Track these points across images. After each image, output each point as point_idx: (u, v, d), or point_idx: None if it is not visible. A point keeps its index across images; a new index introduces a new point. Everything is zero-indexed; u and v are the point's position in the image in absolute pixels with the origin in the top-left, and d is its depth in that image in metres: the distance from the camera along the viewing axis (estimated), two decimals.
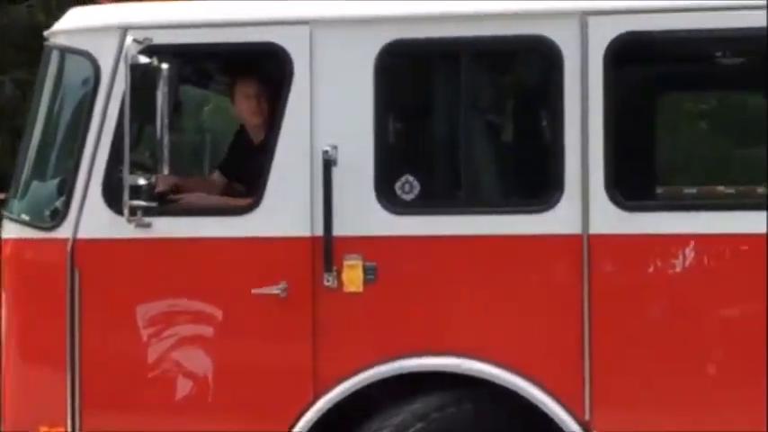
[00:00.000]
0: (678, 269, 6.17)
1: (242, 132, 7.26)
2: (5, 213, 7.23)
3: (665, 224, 6.24)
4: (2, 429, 6.83)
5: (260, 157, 6.68)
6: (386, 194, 6.38)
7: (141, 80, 6.48)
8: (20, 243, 7.05)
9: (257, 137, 6.94)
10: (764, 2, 6.02)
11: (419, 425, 6.39)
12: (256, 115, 6.92)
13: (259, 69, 7.07)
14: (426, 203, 6.49)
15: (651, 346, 6.26)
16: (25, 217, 7.07)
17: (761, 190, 6.40)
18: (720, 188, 7.65)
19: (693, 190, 7.89)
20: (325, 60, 6.41)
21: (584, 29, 6.24)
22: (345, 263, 6.26)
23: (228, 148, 7.75)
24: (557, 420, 6.21)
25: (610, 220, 6.21)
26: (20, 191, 7.24)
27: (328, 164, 6.20)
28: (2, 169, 20.11)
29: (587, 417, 6.19)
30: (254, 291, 6.25)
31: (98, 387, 6.61)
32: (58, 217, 6.74)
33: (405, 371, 6.33)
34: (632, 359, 6.29)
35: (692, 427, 6.13)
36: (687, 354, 6.22)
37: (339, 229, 6.28)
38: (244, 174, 7.03)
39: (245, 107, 7.03)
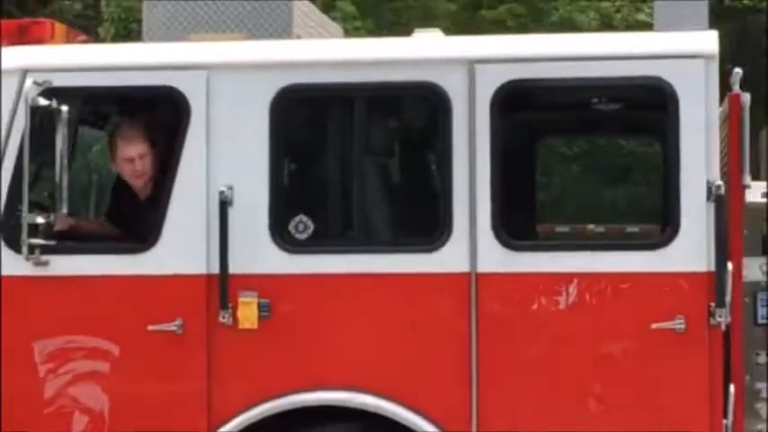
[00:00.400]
0: (561, 306, 6.43)
1: (124, 186, 7.27)
2: None
3: (548, 263, 6.53)
4: None
5: (146, 209, 6.82)
6: (280, 233, 6.54)
7: (40, 122, 6.66)
8: None
9: (143, 193, 6.98)
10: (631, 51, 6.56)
11: None
12: (139, 177, 6.94)
13: (154, 114, 7.16)
14: (319, 242, 6.69)
15: (536, 379, 6.49)
16: None
17: (630, 229, 6.75)
18: (591, 227, 8.08)
19: (567, 228, 8.21)
20: (222, 104, 6.57)
21: (472, 76, 6.48)
22: (240, 300, 6.40)
23: (111, 199, 7.79)
24: None
25: (496, 259, 6.46)
26: None
27: (224, 204, 6.38)
28: None
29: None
30: (150, 327, 6.34)
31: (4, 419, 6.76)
32: None
33: (296, 405, 6.47)
34: (518, 392, 6.50)
35: None
36: (570, 387, 6.47)
37: (234, 267, 6.42)
38: (131, 226, 7.09)
39: (126, 170, 7.03)
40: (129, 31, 20.17)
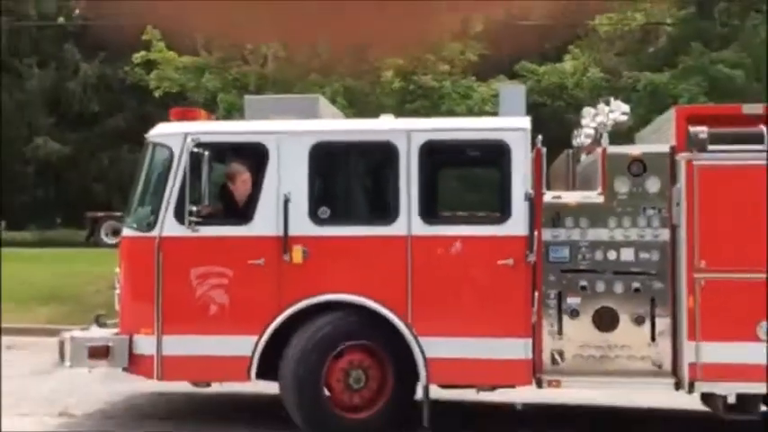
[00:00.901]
0: (452, 252, 9.39)
1: (229, 193, 10.06)
2: (125, 223, 10.40)
3: (446, 231, 9.53)
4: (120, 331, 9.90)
5: (245, 204, 9.74)
6: (313, 216, 9.47)
7: (194, 160, 9.64)
8: (131, 238, 10.21)
9: (242, 196, 9.80)
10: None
11: (328, 327, 9.42)
12: (245, 189, 9.78)
13: (250, 156, 9.94)
14: (333, 221, 9.55)
15: (440, 289, 9.42)
16: (133, 224, 10.19)
17: (488, 214, 9.97)
18: (468, 213, 10.80)
19: (456, 213, 10.88)
20: (285, 150, 9.62)
21: (409, 138, 9.54)
22: (293, 248, 9.35)
23: (223, 199, 10.26)
24: (396, 324, 9.37)
25: (420, 228, 9.44)
26: (131, 213, 10.37)
27: (286, 201, 9.35)
28: None
29: (410, 322, 9.38)
30: (249, 262, 9.42)
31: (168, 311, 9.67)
32: (151, 225, 9.83)
33: (321, 301, 9.41)
34: (431, 296, 9.41)
35: (466, 330, 9.35)
36: (456, 293, 9.45)
37: (290, 232, 9.38)
38: (236, 213, 9.92)
39: (240, 186, 9.83)
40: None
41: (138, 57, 27.75)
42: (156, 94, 28.04)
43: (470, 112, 27.31)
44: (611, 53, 28.89)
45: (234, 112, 26.20)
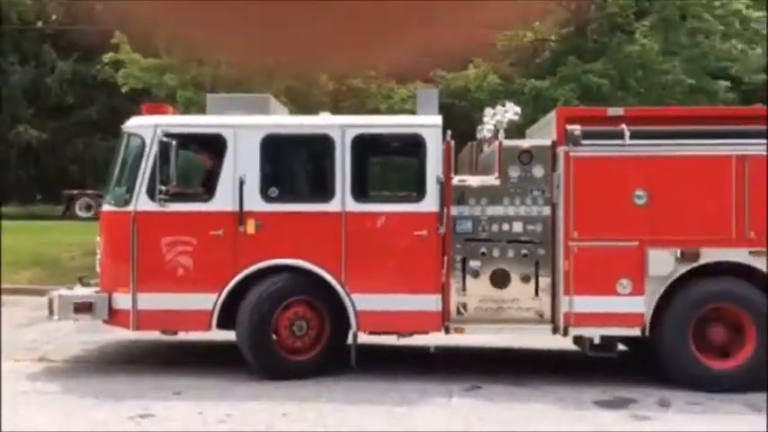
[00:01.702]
0: (378, 224, 9.67)
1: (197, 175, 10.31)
2: (105, 200, 10.46)
3: (373, 208, 9.84)
4: (100, 290, 10.03)
5: (207, 185, 9.95)
6: (263, 194, 9.64)
7: (162, 147, 9.69)
8: (110, 213, 10.25)
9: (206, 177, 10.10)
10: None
11: (278, 283, 9.60)
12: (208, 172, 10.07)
13: (211, 145, 10.09)
14: (280, 199, 9.70)
15: (366, 256, 9.70)
16: (112, 201, 10.24)
17: (407, 194, 10.28)
18: (392, 193, 11.14)
19: (382, 192, 11.24)
20: (241, 141, 9.76)
21: (344, 132, 9.76)
22: (248, 221, 9.60)
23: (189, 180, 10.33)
24: (332, 284, 9.61)
25: (353, 206, 9.66)
26: (110, 192, 10.43)
27: (242, 182, 9.58)
28: None
29: (343, 281, 9.63)
30: (210, 232, 9.63)
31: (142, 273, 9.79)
32: (127, 202, 9.92)
33: (270, 265, 9.60)
34: (358, 262, 9.65)
35: (388, 288, 9.64)
36: (383, 259, 9.71)
37: (246, 208, 9.60)
38: (201, 191, 10.12)
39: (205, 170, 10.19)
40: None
41: (107, 57, 27.74)
42: (123, 89, 27.95)
43: (391, 110, 27.55)
44: (506, 63, 29.32)
45: (192, 106, 26.30)
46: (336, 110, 26.47)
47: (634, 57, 27.24)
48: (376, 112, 26.86)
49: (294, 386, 9.40)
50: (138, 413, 8.19)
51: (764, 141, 9.38)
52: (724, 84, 28.22)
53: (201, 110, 10.95)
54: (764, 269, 9.28)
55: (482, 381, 9.68)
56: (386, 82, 29.17)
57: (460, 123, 18.02)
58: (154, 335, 10.65)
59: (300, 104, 25.25)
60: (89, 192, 35.79)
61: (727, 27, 27.88)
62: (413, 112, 26.56)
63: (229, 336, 10.08)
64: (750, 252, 9.30)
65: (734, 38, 27.97)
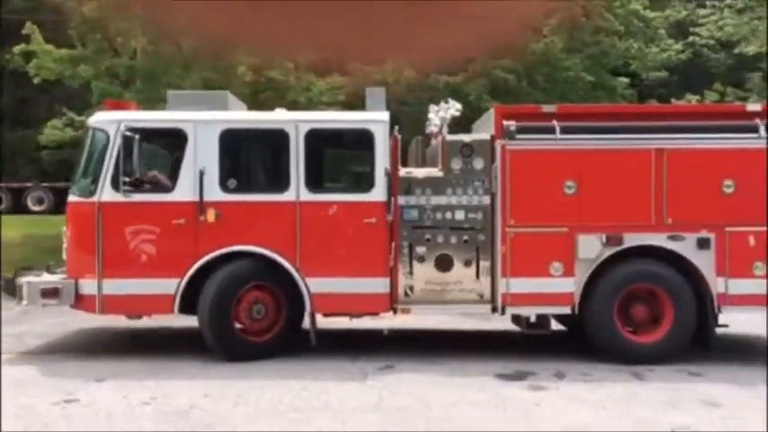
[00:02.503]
0: (330, 213, 10.21)
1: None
2: (71, 191, 10.69)
3: (326, 197, 10.34)
4: (67, 276, 10.41)
5: (170, 175, 10.35)
6: (222, 185, 10.16)
7: (126, 142, 10.18)
8: (76, 203, 10.56)
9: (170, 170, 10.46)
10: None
11: (239, 269, 10.13)
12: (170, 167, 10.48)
13: (174, 138, 10.48)
14: (237, 189, 10.21)
15: (324, 242, 10.21)
16: (77, 192, 10.58)
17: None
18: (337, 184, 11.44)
19: (334, 184, 11.45)
20: (201, 135, 10.21)
21: (297, 126, 10.31)
22: (208, 210, 10.06)
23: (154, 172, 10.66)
24: (287, 269, 10.15)
25: (304, 195, 10.13)
26: (76, 183, 10.77)
27: (201, 174, 10.07)
28: None
29: (298, 266, 10.17)
30: (173, 221, 10.09)
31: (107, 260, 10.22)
32: (92, 192, 10.30)
33: (231, 251, 10.09)
34: (314, 247, 10.18)
35: (341, 272, 10.16)
36: (328, 244, 10.23)
37: (206, 198, 10.06)
38: (164, 183, 10.50)
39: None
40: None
41: (18, 49, 27.48)
42: (35, 80, 27.76)
43: (311, 103, 27.95)
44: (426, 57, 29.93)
45: (107, 98, 26.38)
46: (255, 102, 26.89)
47: (538, 54, 28.53)
48: (295, 104, 27.30)
49: (217, 368, 9.93)
50: (62, 398, 8.43)
51: (681, 136, 10.42)
52: (624, 80, 29.83)
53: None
54: (681, 252, 10.29)
55: (396, 360, 10.25)
56: (305, 74, 29.53)
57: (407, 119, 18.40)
58: (91, 324, 11.47)
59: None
60: (44, 185, 35.00)
61: (626, 26, 29.47)
62: (332, 105, 27.13)
63: (190, 320, 10.62)
64: (668, 237, 10.26)
65: (632, 37, 29.50)
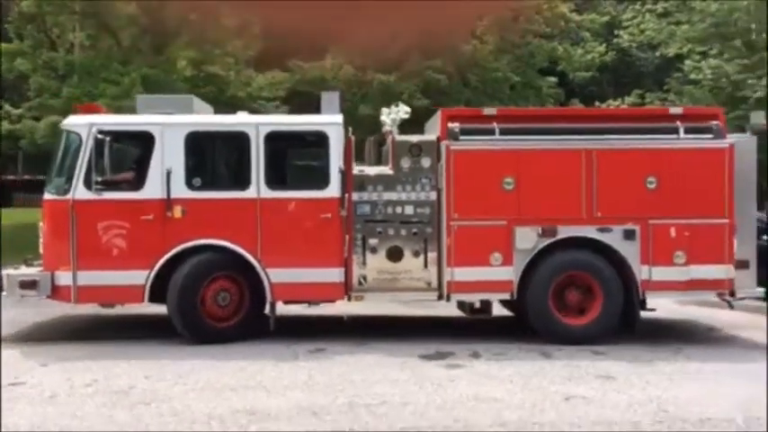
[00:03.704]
0: (290, 209, 10.88)
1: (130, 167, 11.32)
2: (46, 189, 11.27)
3: (290, 195, 10.90)
4: (44, 269, 10.94)
5: (138, 175, 10.97)
6: (188, 183, 10.88)
7: (98, 144, 10.85)
8: (51, 201, 11.18)
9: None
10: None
11: (205, 260, 10.82)
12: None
13: (143, 140, 11.06)
14: (202, 188, 10.90)
15: (283, 235, 10.83)
16: (53, 190, 11.20)
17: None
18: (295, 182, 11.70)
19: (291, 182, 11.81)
20: (168, 137, 10.83)
21: (258, 129, 11.00)
22: (174, 207, 10.71)
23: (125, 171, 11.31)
24: (249, 260, 10.84)
25: (265, 192, 10.85)
26: (51, 181, 11.34)
27: (169, 173, 10.76)
28: None
29: (260, 258, 10.85)
30: (141, 217, 10.69)
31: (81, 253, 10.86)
32: (66, 191, 10.92)
33: (197, 244, 10.81)
34: (274, 240, 10.85)
35: (299, 263, 10.84)
36: (288, 239, 10.88)
37: (173, 195, 10.70)
38: (132, 182, 11.11)
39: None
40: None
41: None
42: None
43: (250, 98, 28.72)
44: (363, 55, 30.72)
45: (45, 92, 26.74)
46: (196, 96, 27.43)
47: (468, 55, 29.65)
48: (235, 99, 28.04)
49: (159, 351, 10.48)
50: (9, 382, 8.74)
51: (609, 137, 11.33)
52: (551, 80, 31.13)
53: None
54: (609, 242, 11.18)
55: (327, 344, 10.92)
56: (245, 70, 30.12)
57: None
58: (45, 315, 12.13)
59: (158, 92, 26.22)
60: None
61: (553, 29, 30.80)
62: (271, 101, 27.61)
63: (159, 309, 11.29)
64: (597, 229, 11.15)
65: (558, 39, 30.83)
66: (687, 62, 30.80)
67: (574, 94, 32.72)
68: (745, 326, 12.83)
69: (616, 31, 33.72)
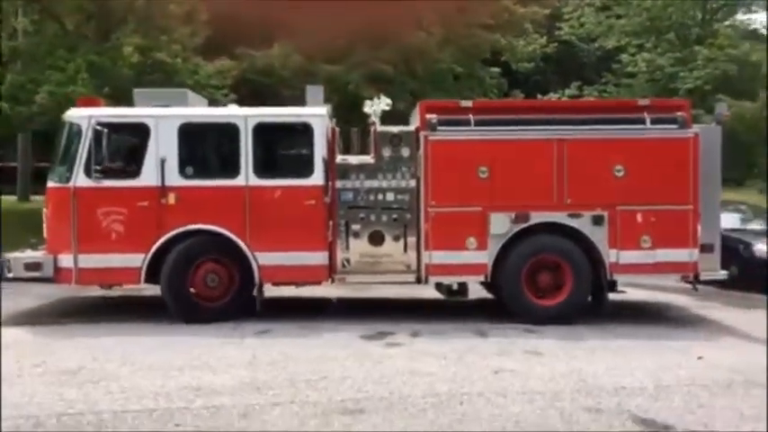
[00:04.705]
0: (275, 196, 11.46)
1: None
2: (49, 177, 11.90)
3: (267, 182, 11.52)
4: (48, 252, 11.51)
5: (135, 164, 11.58)
6: (182, 172, 11.51)
7: (95, 134, 11.57)
8: (54, 188, 11.82)
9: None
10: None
11: (196, 244, 11.50)
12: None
13: (138, 130, 11.67)
14: (194, 175, 11.52)
15: (270, 221, 11.39)
16: (55, 178, 11.84)
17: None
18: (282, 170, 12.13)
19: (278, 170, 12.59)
20: (162, 128, 11.47)
21: (246, 120, 11.64)
22: (169, 194, 11.35)
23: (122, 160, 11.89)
24: (238, 244, 11.45)
25: (252, 180, 11.45)
26: (54, 170, 11.99)
27: (163, 161, 11.40)
28: None
29: (249, 242, 11.46)
30: (138, 204, 11.37)
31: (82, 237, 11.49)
32: (68, 179, 11.58)
33: (189, 229, 11.41)
34: (262, 225, 11.45)
35: (286, 246, 11.39)
36: (278, 222, 11.46)
37: (167, 184, 11.37)
38: (130, 170, 11.72)
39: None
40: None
41: None
42: None
43: (198, 86, 28.88)
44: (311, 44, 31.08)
45: None
46: (140, 84, 27.57)
47: (413, 47, 30.41)
48: (182, 87, 28.27)
49: (107, 333, 10.95)
50: None
51: (579, 128, 11.96)
52: (495, 70, 32.17)
53: None
54: (579, 227, 11.84)
55: (274, 326, 11.37)
56: (192, 57, 30.25)
57: (270, 100, 19.03)
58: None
59: (103, 80, 26.42)
60: None
61: (497, 21, 31.77)
62: (219, 89, 27.80)
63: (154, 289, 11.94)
64: (568, 214, 11.82)
65: (501, 30, 31.79)
66: (624, 55, 32.17)
67: (518, 85, 33.82)
68: (690, 307, 13.86)
69: (557, 24, 34.99)
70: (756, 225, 17.43)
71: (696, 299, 14.10)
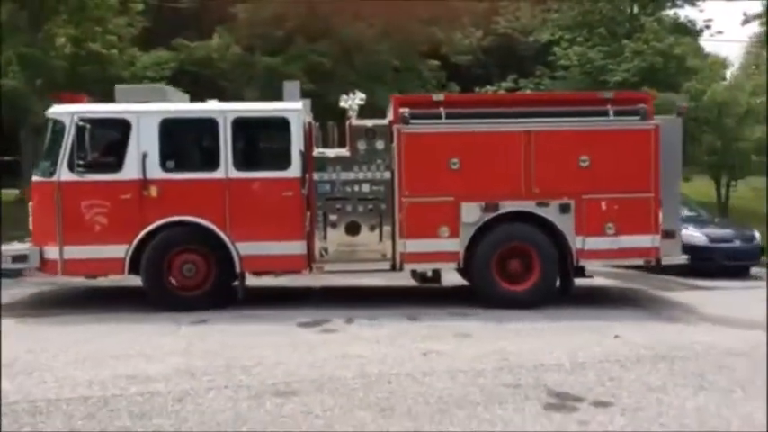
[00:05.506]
0: (255, 188, 12.09)
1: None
2: (34, 173, 12.26)
3: (252, 174, 12.05)
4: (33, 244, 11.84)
5: (118, 158, 12.01)
6: (162, 165, 11.93)
7: (79, 130, 11.91)
8: (39, 182, 12.21)
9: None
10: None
11: (175, 234, 11.91)
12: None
13: (120, 126, 12.05)
14: (175, 169, 11.92)
15: (250, 212, 11.91)
16: (40, 173, 12.26)
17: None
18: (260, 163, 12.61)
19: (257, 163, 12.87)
20: (143, 123, 11.88)
21: (225, 115, 12.13)
22: (150, 187, 11.82)
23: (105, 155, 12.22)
24: (219, 235, 11.91)
25: (233, 173, 11.90)
26: (39, 165, 12.35)
27: (144, 156, 11.80)
28: None
29: (229, 233, 11.93)
30: (121, 197, 11.80)
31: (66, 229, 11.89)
32: (52, 173, 11.99)
33: (173, 220, 11.83)
34: (242, 216, 11.88)
35: (265, 236, 11.88)
36: (262, 213, 11.92)
37: (148, 177, 11.80)
38: (112, 164, 12.02)
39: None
40: None
41: None
42: None
43: (135, 78, 28.92)
44: (250, 36, 31.41)
45: None
46: (75, 75, 27.52)
47: (349, 39, 30.89)
48: (118, 79, 28.30)
49: (42, 328, 11.14)
50: None
51: (546, 120, 12.57)
52: (434, 63, 32.87)
53: None
54: (547, 216, 12.46)
55: (211, 316, 11.71)
56: (128, 48, 30.15)
57: (207, 92, 19.06)
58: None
59: (34, 72, 26.29)
60: None
61: (433, 14, 32.41)
62: (157, 81, 27.69)
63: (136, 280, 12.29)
64: (536, 203, 12.42)
65: (438, 23, 32.51)
66: (556, 49, 33.23)
67: (459, 77, 34.59)
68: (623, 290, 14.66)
69: (494, 17, 35.88)
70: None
71: (624, 282, 15.02)
